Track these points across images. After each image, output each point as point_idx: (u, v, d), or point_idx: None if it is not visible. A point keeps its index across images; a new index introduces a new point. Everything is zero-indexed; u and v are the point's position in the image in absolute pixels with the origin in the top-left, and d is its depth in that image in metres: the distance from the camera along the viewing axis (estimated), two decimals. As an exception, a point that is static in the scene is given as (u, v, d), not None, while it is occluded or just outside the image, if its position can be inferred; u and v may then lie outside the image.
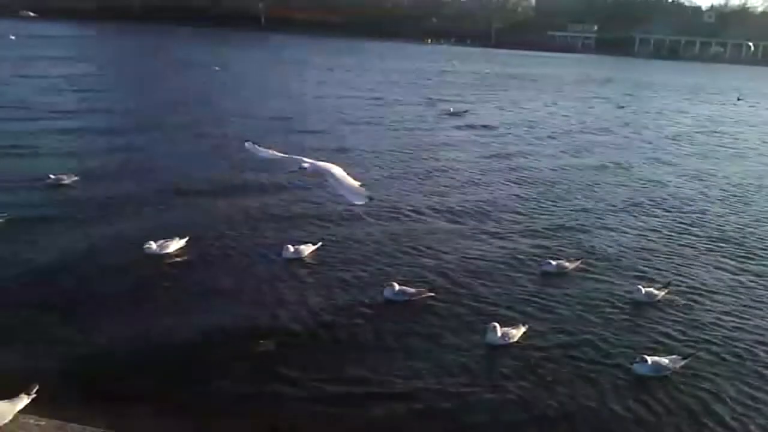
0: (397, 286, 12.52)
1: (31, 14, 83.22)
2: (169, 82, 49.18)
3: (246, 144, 10.55)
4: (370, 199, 8.69)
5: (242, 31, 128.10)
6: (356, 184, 8.81)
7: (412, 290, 12.60)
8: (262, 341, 10.69)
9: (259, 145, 10.47)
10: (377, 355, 10.57)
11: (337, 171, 8.99)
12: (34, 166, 20.87)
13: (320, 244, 14.93)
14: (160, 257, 13.94)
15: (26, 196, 17.96)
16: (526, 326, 11.30)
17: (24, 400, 8.12)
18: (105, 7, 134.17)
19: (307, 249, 14.62)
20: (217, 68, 56.41)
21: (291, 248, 14.38)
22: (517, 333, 11.09)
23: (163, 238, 14.27)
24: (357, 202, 8.73)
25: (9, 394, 8.11)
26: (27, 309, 11.44)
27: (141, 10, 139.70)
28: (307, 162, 9.18)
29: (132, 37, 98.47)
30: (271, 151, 10.22)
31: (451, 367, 10.28)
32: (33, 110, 30.88)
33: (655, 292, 12.91)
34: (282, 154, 10.01)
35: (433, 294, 12.65)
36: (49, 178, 19.02)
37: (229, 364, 10.04)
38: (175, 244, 14.40)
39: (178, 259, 14.07)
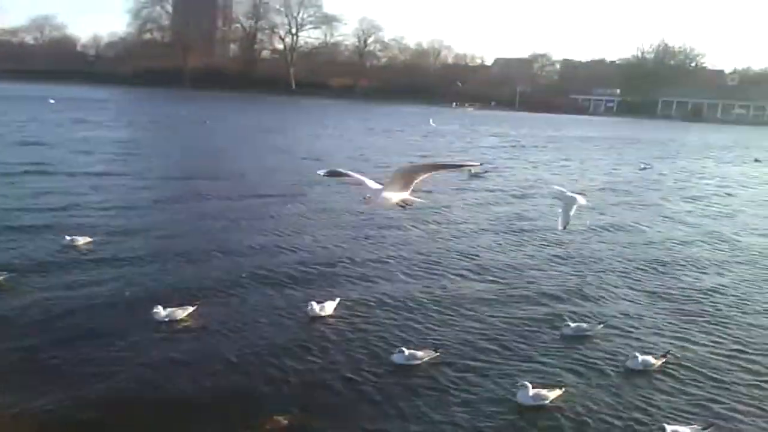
0: (406, 351, 12.79)
1: None
2: (197, 144, 51.74)
3: (319, 172, 10.55)
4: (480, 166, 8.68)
5: (275, 95, 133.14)
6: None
7: (422, 353, 12.87)
8: (275, 417, 10.68)
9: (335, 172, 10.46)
10: (392, 424, 10.85)
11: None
12: (52, 227, 21.31)
13: (338, 300, 15.37)
14: (167, 323, 14.08)
15: (39, 256, 18.24)
16: (563, 389, 11.67)
17: None
18: (157, 74, 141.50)
19: (330, 306, 15.04)
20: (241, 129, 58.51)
21: (316, 306, 14.83)
22: (551, 394, 11.47)
23: (172, 304, 14.43)
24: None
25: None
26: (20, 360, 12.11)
27: (191, 77, 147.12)
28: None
29: (167, 101, 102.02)
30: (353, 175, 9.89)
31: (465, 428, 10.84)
32: (62, 173, 32.31)
33: (653, 360, 13.06)
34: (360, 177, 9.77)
35: (439, 354, 13.04)
36: (65, 239, 19.24)
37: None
38: (183, 311, 14.36)
39: (186, 324, 14.19)
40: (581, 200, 9.54)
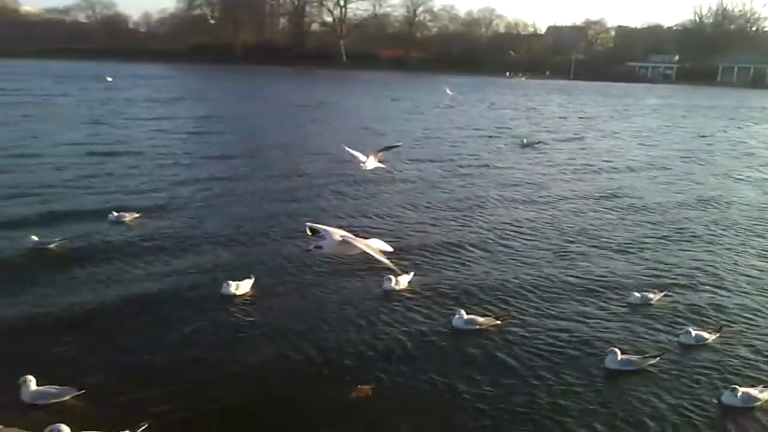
0: (465, 315, 12.91)
1: None
2: (248, 122, 51.00)
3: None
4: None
5: (326, 68, 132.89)
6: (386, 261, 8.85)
7: (482, 319, 12.97)
8: (359, 386, 10.66)
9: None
10: (466, 387, 10.88)
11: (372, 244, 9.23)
12: (100, 203, 21.39)
13: (413, 274, 15.28)
14: (231, 297, 13.93)
15: (84, 231, 18.25)
16: (657, 357, 11.68)
17: None
18: (209, 50, 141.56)
19: (405, 279, 14.94)
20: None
21: (392, 280, 14.63)
22: (641, 361, 11.53)
23: (237, 278, 14.27)
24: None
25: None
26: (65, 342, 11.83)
27: (242, 52, 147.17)
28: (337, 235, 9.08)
29: (221, 77, 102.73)
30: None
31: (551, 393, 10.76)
32: (116, 150, 32.18)
33: (706, 335, 12.69)
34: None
35: (499, 322, 13.04)
36: (112, 215, 19.29)
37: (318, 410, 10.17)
38: (245, 285, 14.24)
39: (248, 299, 14.04)
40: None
